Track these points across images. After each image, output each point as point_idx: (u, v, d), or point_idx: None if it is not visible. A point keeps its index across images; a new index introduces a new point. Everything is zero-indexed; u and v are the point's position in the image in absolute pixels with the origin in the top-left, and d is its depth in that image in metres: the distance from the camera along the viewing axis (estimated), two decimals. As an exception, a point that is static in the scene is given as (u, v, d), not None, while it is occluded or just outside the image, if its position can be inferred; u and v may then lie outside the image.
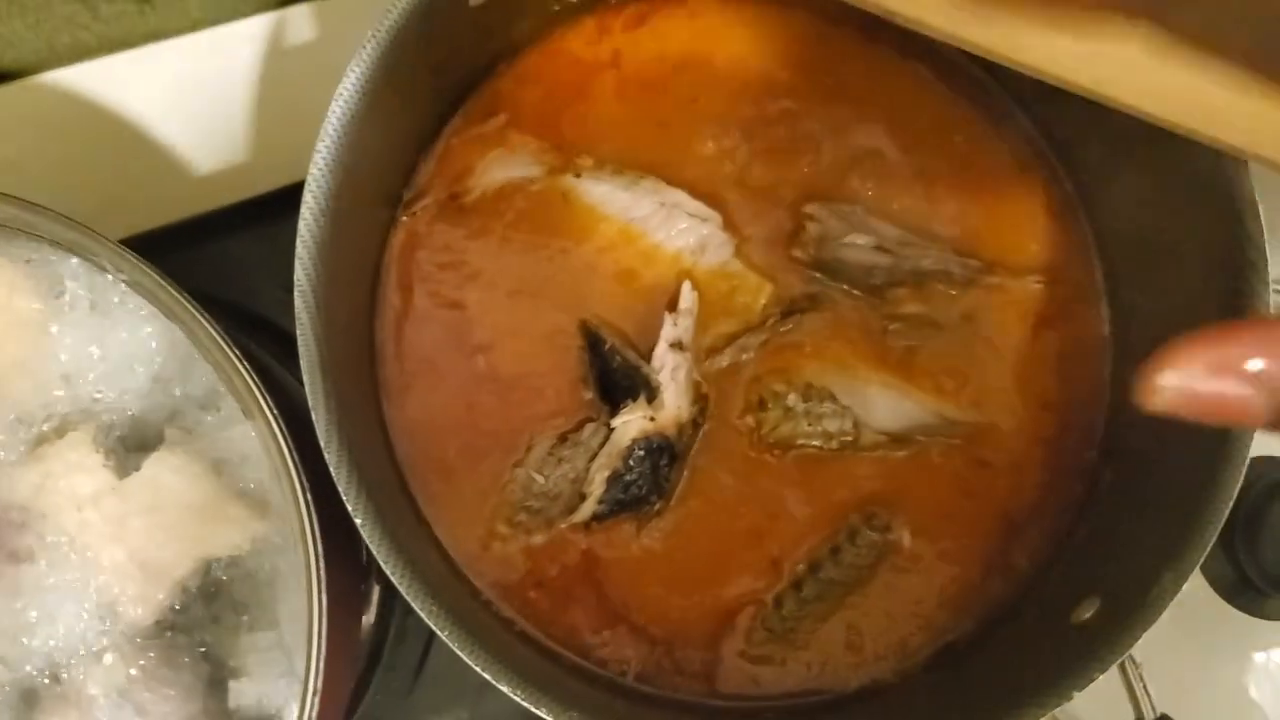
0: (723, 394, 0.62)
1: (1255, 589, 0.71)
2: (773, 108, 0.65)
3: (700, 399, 0.61)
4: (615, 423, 0.60)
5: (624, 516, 0.60)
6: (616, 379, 0.60)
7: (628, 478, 0.60)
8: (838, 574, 0.60)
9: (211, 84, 0.74)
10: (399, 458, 0.61)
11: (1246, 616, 0.72)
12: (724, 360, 0.62)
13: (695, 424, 0.61)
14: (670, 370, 0.60)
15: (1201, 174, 0.54)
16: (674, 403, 0.60)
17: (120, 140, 0.74)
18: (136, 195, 0.74)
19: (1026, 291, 0.63)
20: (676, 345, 0.60)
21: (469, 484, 0.61)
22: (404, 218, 0.63)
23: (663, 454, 0.60)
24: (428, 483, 0.61)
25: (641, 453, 0.59)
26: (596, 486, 0.60)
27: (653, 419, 0.59)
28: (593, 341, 0.61)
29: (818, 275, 0.62)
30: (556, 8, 0.65)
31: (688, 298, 0.61)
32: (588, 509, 0.60)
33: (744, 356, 0.62)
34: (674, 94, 0.65)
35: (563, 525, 0.60)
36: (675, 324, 0.61)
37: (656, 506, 0.60)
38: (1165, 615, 0.71)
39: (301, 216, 0.52)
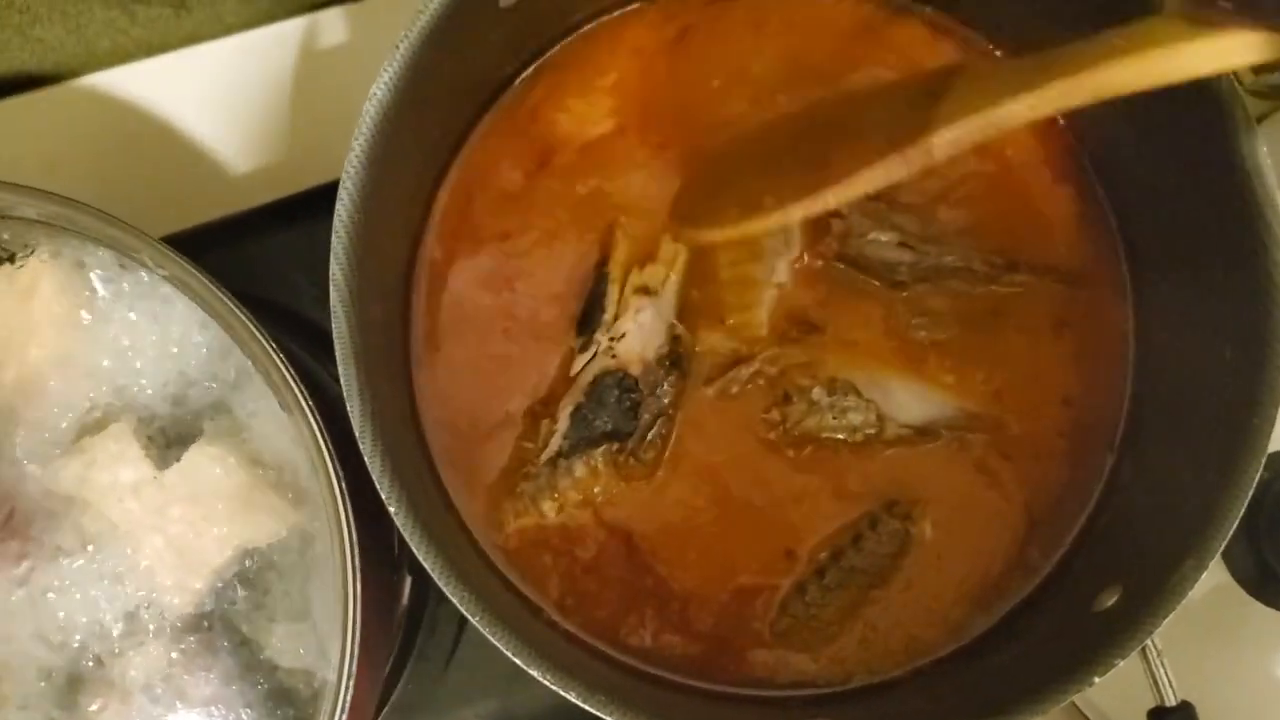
0: (746, 390, 0.62)
1: (1281, 583, 0.71)
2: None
3: (674, 342, 0.62)
4: (576, 365, 0.62)
5: (595, 455, 0.61)
6: (594, 305, 0.63)
7: (587, 413, 0.61)
8: (860, 562, 0.60)
9: (246, 86, 0.76)
10: (431, 450, 0.62)
11: (1273, 611, 0.72)
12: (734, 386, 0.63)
13: (671, 369, 0.62)
14: (634, 312, 0.62)
15: (1229, 185, 0.54)
16: (637, 342, 0.61)
17: (158, 141, 0.75)
18: (174, 195, 0.75)
19: (1050, 290, 0.64)
20: (642, 290, 0.62)
21: (494, 471, 0.62)
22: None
23: (628, 392, 0.61)
24: (457, 473, 0.62)
25: (603, 388, 0.61)
26: (562, 422, 0.61)
27: (614, 356, 0.61)
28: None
29: (843, 267, 0.63)
30: (584, 13, 0.65)
31: (667, 250, 0.63)
32: (554, 444, 0.61)
33: (735, 389, 0.63)
34: (703, 94, 0.65)
35: (558, 486, 0.61)
36: (642, 269, 0.62)
37: (630, 446, 0.61)
38: (1192, 610, 0.71)
39: (337, 214, 0.53)
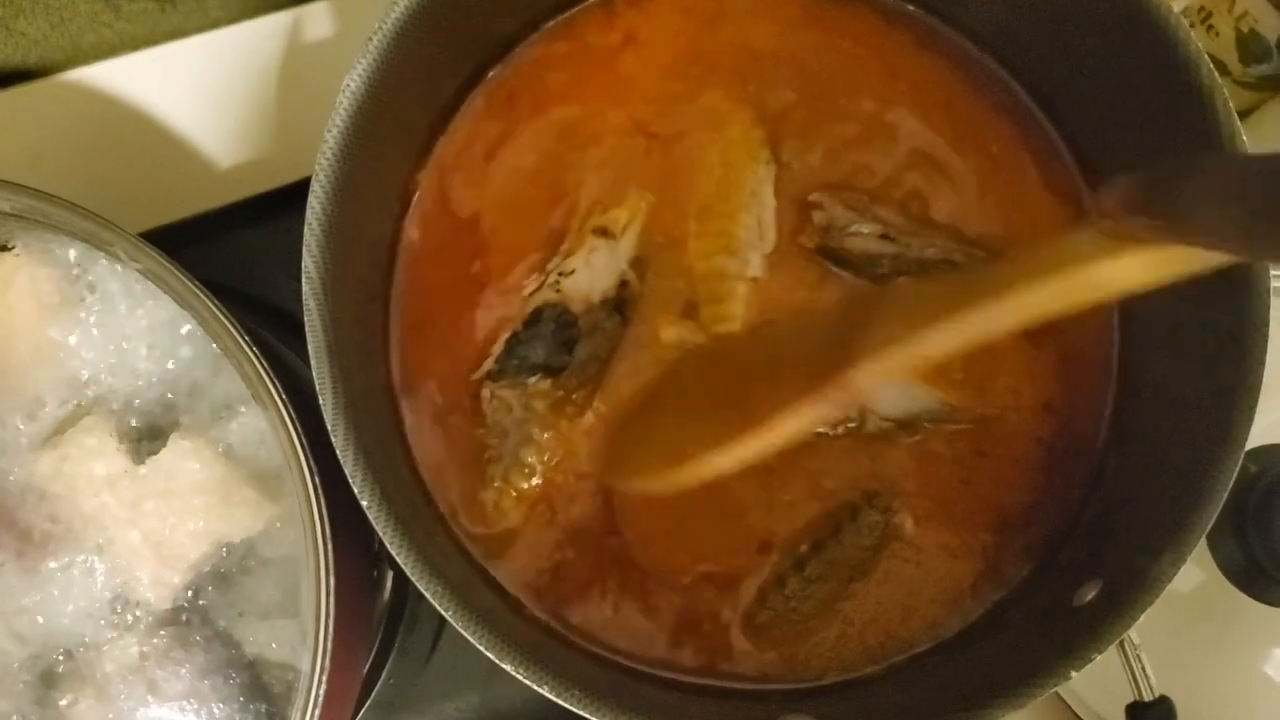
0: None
1: (1268, 576, 0.70)
2: (791, 95, 0.64)
3: (621, 288, 0.62)
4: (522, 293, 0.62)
5: (534, 401, 0.61)
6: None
7: (522, 340, 0.61)
8: (840, 554, 0.60)
9: (231, 80, 0.75)
10: (410, 443, 0.61)
11: (1259, 604, 0.72)
12: None
13: (615, 313, 0.62)
14: (587, 252, 0.62)
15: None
16: (584, 280, 0.61)
17: (142, 136, 0.75)
18: (158, 189, 0.75)
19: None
20: (600, 231, 0.62)
21: (473, 463, 0.62)
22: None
23: (565, 327, 0.61)
24: (436, 467, 0.61)
25: (542, 320, 0.61)
26: (498, 347, 0.61)
27: (559, 290, 0.61)
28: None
29: (823, 261, 0.62)
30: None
31: (633, 198, 0.63)
32: (485, 366, 0.61)
33: None
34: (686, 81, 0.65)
35: (520, 458, 0.61)
36: (605, 212, 0.63)
37: (563, 382, 0.61)
38: (1180, 604, 0.71)
39: (310, 206, 0.53)
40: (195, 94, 0.76)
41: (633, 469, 0.56)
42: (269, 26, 0.76)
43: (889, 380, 0.47)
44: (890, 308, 0.46)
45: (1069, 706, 0.72)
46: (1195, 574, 0.71)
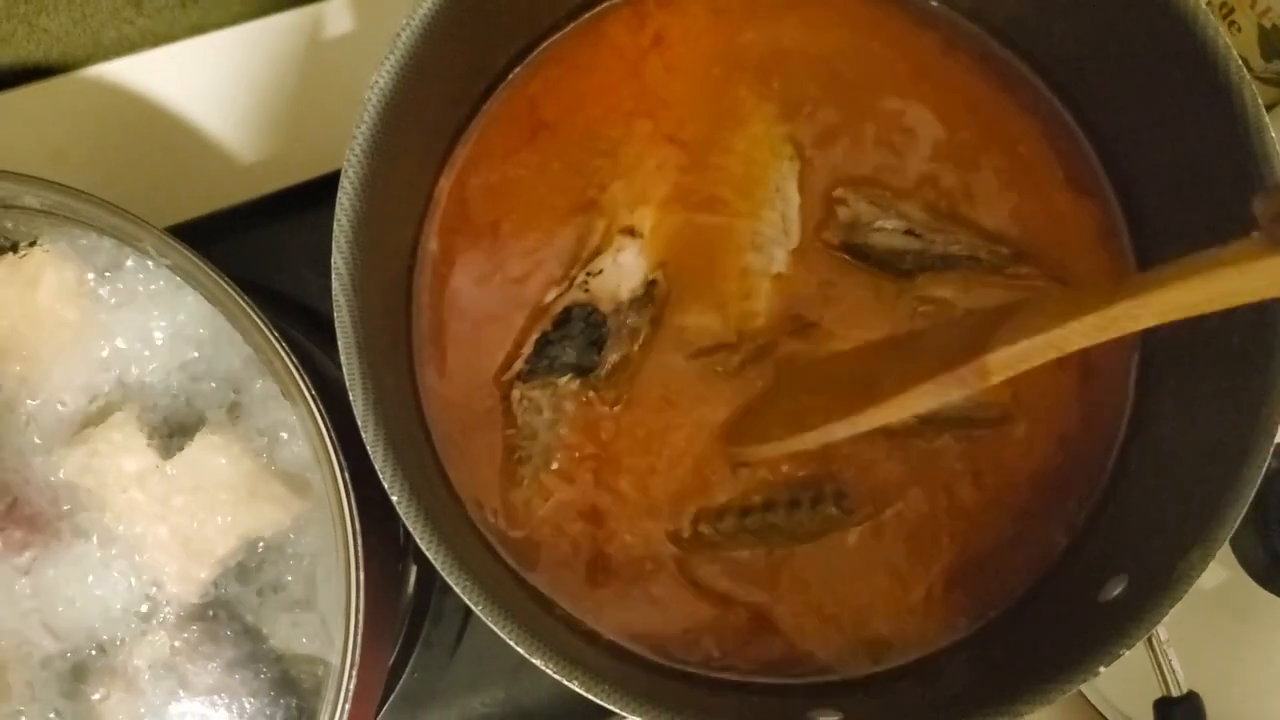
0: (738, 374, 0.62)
1: (1291, 573, 0.70)
2: (817, 93, 0.64)
3: (649, 286, 0.62)
4: (548, 295, 0.62)
5: (563, 402, 0.62)
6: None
7: (551, 341, 0.61)
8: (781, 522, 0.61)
9: (253, 75, 0.76)
10: (434, 440, 0.62)
11: (1282, 601, 0.72)
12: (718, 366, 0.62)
13: (644, 312, 0.62)
14: (615, 251, 0.62)
15: (1238, 171, 0.54)
16: (612, 280, 0.62)
17: (165, 131, 0.75)
18: (182, 184, 0.75)
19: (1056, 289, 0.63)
20: (627, 230, 0.62)
21: (498, 461, 0.62)
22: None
23: (595, 326, 0.61)
24: (460, 463, 0.62)
25: (571, 320, 0.62)
26: (528, 348, 0.62)
27: (587, 290, 0.61)
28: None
29: (847, 257, 0.62)
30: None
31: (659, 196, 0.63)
32: (515, 367, 0.62)
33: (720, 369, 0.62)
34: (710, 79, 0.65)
35: (550, 456, 0.61)
36: (633, 211, 0.63)
37: (592, 383, 0.62)
38: (1202, 601, 0.71)
39: (339, 202, 0.53)
40: (216, 90, 0.76)
41: (757, 435, 0.57)
42: (290, 22, 0.77)
43: (1020, 367, 0.47)
44: (1035, 304, 0.48)
45: (1092, 705, 0.72)
46: (1217, 571, 0.71)
